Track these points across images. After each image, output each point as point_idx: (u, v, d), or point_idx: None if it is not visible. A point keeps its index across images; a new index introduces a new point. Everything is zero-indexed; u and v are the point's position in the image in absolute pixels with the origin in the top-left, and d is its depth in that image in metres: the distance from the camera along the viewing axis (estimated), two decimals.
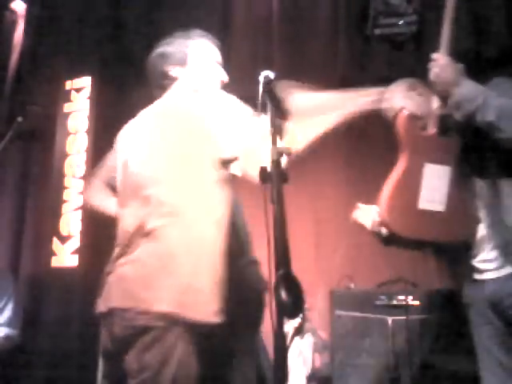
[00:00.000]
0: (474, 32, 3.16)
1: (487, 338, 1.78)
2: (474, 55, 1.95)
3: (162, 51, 1.93)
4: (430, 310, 2.57)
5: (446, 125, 1.91)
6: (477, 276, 1.82)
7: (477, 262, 1.81)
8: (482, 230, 1.83)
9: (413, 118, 1.92)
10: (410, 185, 1.87)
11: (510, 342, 1.71)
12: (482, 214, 1.84)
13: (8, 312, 3.12)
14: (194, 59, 1.87)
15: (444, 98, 1.81)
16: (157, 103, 1.83)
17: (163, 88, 1.86)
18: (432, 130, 1.91)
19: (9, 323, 3.10)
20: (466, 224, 1.86)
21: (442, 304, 2.53)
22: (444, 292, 2.54)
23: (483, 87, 1.75)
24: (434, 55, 1.83)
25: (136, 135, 1.82)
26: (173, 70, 1.86)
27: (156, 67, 1.90)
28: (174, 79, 1.86)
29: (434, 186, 1.87)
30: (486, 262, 1.79)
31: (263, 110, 1.47)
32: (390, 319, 2.56)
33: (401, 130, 1.93)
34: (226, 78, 1.90)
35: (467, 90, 1.73)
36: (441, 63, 1.80)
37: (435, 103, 1.90)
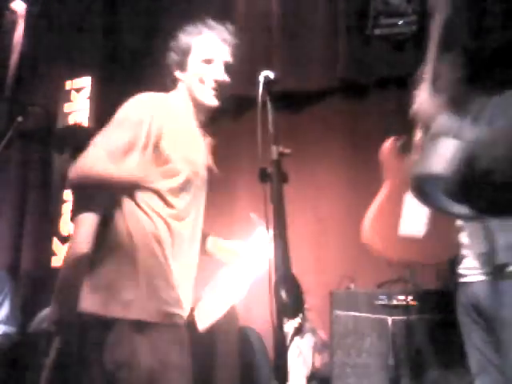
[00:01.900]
0: (473, 28, 3.18)
1: (476, 338, 1.83)
2: (473, 51, 1.95)
3: (168, 53, 1.91)
4: (430, 309, 2.57)
5: None
6: (461, 279, 1.88)
7: (461, 269, 1.88)
8: (464, 239, 1.89)
9: (395, 147, 1.99)
10: (392, 211, 1.99)
11: (496, 341, 1.74)
12: (463, 223, 1.88)
13: (5, 310, 3.12)
14: (193, 65, 1.85)
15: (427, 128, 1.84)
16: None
17: (172, 83, 1.87)
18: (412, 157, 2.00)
19: (6, 321, 3.10)
20: (448, 247, 1.92)
21: (441, 304, 2.53)
22: (442, 292, 2.55)
23: (459, 121, 1.74)
24: (416, 91, 1.86)
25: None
26: (176, 73, 1.86)
27: (166, 62, 1.91)
28: (177, 80, 1.86)
29: (414, 215, 1.97)
30: (469, 269, 1.84)
31: (263, 109, 1.47)
32: (389, 319, 2.56)
33: (384, 159, 2.00)
34: (222, 77, 1.86)
35: (441, 123, 1.73)
36: (421, 98, 1.82)
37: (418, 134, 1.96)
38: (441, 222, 1.94)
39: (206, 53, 1.85)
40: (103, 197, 2.54)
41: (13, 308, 3.14)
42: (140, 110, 1.68)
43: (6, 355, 3.00)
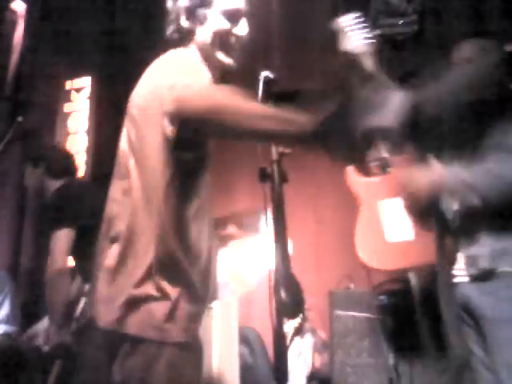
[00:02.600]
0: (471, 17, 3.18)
1: (468, 338, 1.83)
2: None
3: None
4: (429, 309, 2.57)
5: (385, 164, 2.12)
6: (454, 279, 1.88)
7: (453, 269, 1.88)
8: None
9: (354, 171, 2.19)
10: (372, 225, 2.10)
11: (485, 341, 1.74)
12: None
13: (5, 309, 3.12)
14: (213, 18, 1.56)
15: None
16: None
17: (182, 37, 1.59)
18: (375, 172, 2.14)
19: (6, 320, 3.10)
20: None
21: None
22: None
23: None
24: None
25: None
26: (188, 25, 1.57)
27: (168, 14, 1.64)
28: (188, 35, 1.58)
29: (395, 219, 2.05)
30: (459, 270, 1.85)
31: None
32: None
33: (349, 184, 2.24)
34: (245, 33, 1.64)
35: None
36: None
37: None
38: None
39: (230, 3, 1.59)
40: (79, 211, 2.58)
41: (13, 308, 3.14)
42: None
43: (6, 354, 3.00)
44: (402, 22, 3.36)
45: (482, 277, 1.76)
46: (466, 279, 1.80)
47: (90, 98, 4.15)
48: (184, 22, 1.57)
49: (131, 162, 1.39)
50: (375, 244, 2.08)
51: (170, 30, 1.62)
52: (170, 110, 1.29)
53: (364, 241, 2.13)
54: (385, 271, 2.05)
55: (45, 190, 2.79)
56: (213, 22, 1.55)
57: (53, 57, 4.27)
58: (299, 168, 3.38)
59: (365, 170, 2.21)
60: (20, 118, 3.05)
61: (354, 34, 1.74)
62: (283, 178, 1.30)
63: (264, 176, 1.30)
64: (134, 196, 1.34)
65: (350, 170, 2.27)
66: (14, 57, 4.36)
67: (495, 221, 1.72)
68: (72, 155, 3.08)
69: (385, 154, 2.16)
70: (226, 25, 1.56)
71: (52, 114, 4.25)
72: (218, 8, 1.56)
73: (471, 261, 1.79)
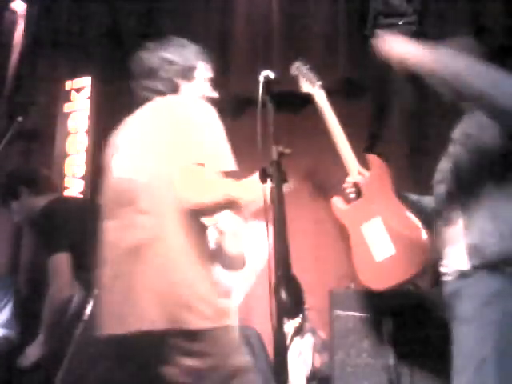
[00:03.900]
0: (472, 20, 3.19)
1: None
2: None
3: (168, 58, 1.92)
4: (429, 310, 2.56)
5: (358, 189, 2.23)
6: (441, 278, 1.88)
7: (441, 268, 1.87)
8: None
9: (337, 204, 2.32)
10: (362, 249, 2.17)
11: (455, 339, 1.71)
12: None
13: (6, 313, 3.13)
14: (199, 76, 1.92)
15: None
16: (154, 108, 1.82)
17: (156, 92, 1.86)
18: (352, 199, 2.25)
19: (6, 324, 3.10)
20: (427, 250, 1.96)
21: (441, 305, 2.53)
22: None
23: None
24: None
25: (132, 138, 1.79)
26: (179, 82, 1.87)
27: (158, 71, 1.89)
28: (176, 90, 1.86)
29: (376, 238, 2.13)
30: (444, 268, 1.84)
31: (263, 109, 1.48)
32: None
33: (336, 216, 2.33)
34: (215, 95, 1.94)
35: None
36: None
37: None
38: (409, 229, 2.05)
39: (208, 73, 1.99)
40: (70, 231, 2.57)
41: (14, 312, 3.15)
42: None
43: (5, 358, 3.01)
44: (401, 22, 3.36)
45: (458, 276, 1.74)
46: (448, 278, 1.78)
47: (89, 98, 4.14)
48: (177, 79, 1.87)
49: None
50: (370, 266, 2.14)
51: (160, 85, 1.88)
52: (183, 204, 1.52)
53: (361, 266, 2.20)
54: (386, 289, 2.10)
55: (31, 210, 2.76)
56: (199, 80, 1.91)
57: (53, 57, 4.27)
58: (299, 168, 3.40)
59: (345, 199, 2.33)
60: (20, 118, 3.05)
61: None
62: (283, 178, 1.30)
63: (264, 176, 1.30)
64: None
65: (335, 201, 2.36)
66: (14, 57, 4.36)
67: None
68: (49, 175, 3.07)
69: (357, 178, 2.24)
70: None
71: (52, 114, 4.25)
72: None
73: (450, 260, 1.77)
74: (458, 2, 3.29)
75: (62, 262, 2.52)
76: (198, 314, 1.47)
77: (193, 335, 1.47)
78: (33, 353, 2.63)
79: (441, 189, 1.89)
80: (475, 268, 1.67)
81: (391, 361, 2.46)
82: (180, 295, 1.47)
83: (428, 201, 2.08)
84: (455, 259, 1.76)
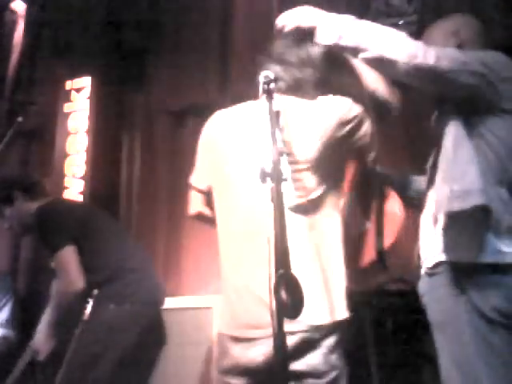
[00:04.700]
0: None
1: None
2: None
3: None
4: None
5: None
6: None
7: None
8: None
9: None
10: None
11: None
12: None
13: (5, 313, 3.13)
14: None
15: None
16: None
17: None
18: None
19: (6, 324, 3.10)
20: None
21: None
22: None
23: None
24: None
25: None
26: None
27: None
28: None
29: None
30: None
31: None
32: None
33: None
34: None
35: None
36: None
37: None
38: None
39: None
40: (73, 227, 2.57)
41: (13, 312, 3.15)
42: None
43: (3, 358, 3.01)
44: (401, 22, 3.35)
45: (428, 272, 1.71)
46: (432, 263, 1.71)
47: (89, 97, 4.14)
48: None
49: None
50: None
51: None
52: None
53: None
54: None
55: (25, 215, 2.76)
56: None
57: (53, 57, 4.27)
58: None
59: None
60: (20, 118, 3.06)
61: None
62: (283, 178, 1.29)
63: (264, 176, 1.29)
64: None
65: None
66: (14, 57, 4.36)
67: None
68: (43, 180, 3.07)
69: None
70: None
71: (52, 114, 4.25)
72: None
73: (423, 255, 1.74)
74: (458, 2, 3.29)
75: (68, 256, 2.50)
76: None
77: None
78: (44, 347, 2.62)
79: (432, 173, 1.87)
80: (438, 264, 1.64)
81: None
82: None
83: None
84: (427, 254, 1.73)
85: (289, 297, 1.17)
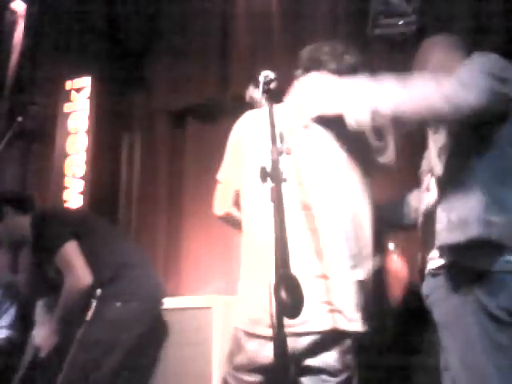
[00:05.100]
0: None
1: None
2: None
3: None
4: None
5: None
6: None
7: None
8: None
9: None
10: None
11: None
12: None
13: (10, 315, 3.13)
14: None
15: None
16: None
17: None
18: None
19: (10, 326, 3.11)
20: None
21: None
22: None
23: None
24: None
25: None
26: None
27: None
28: None
29: None
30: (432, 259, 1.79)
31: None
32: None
33: None
34: None
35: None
36: None
37: None
38: None
39: None
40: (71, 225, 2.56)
41: (18, 314, 3.16)
42: None
43: (6, 358, 3.01)
44: (401, 21, 3.35)
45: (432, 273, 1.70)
46: (437, 264, 1.71)
47: (89, 98, 4.14)
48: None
49: None
50: None
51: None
52: None
53: None
54: None
55: (16, 229, 2.74)
56: None
57: (53, 57, 4.27)
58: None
59: None
60: (20, 118, 3.06)
61: None
62: (283, 178, 1.29)
63: (264, 176, 1.29)
64: None
65: None
66: (14, 57, 4.36)
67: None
68: (34, 195, 3.05)
69: None
70: None
71: (52, 114, 4.25)
72: None
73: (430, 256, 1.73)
74: (458, 1, 3.28)
75: (72, 250, 2.46)
76: None
77: None
78: (46, 343, 2.59)
79: (428, 178, 1.87)
80: (444, 267, 1.64)
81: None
82: None
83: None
84: (430, 256, 1.73)
85: (289, 297, 1.17)
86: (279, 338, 1.19)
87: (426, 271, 1.76)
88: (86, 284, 2.42)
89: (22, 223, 2.70)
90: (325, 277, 1.61)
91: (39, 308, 2.76)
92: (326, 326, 1.57)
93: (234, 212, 1.87)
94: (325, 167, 1.70)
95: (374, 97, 1.62)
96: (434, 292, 1.69)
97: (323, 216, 1.66)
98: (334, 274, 1.62)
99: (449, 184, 1.63)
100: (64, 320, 2.55)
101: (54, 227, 2.56)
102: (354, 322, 1.61)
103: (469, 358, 1.54)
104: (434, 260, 1.71)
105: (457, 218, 1.55)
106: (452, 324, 1.60)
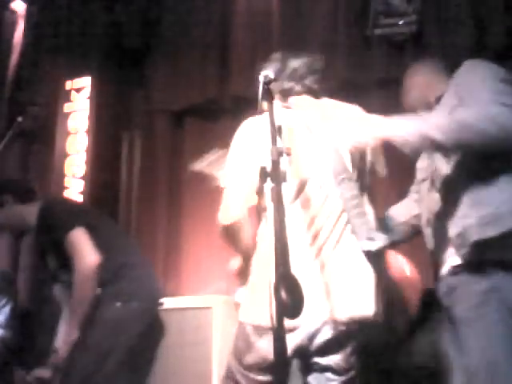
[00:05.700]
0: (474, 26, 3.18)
1: (444, 336, 1.79)
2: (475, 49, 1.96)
3: None
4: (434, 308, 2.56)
5: None
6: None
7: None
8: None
9: None
10: None
11: (458, 340, 1.67)
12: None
13: (4, 314, 3.12)
14: None
15: None
16: None
17: None
18: None
19: (4, 325, 3.10)
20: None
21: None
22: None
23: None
24: None
25: None
26: None
27: None
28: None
29: None
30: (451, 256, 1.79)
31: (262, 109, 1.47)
32: None
33: None
34: None
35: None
36: None
37: None
38: None
39: None
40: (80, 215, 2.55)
41: (12, 313, 3.15)
42: None
43: (1, 358, 3.01)
44: (401, 21, 3.35)
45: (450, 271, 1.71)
46: (458, 261, 1.71)
47: (89, 98, 4.14)
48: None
49: None
50: None
51: None
52: None
53: None
54: None
55: (16, 217, 2.74)
56: None
57: (53, 57, 4.27)
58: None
59: None
60: (20, 118, 3.06)
61: None
62: (283, 178, 1.29)
63: (264, 176, 1.29)
64: None
65: None
66: (14, 57, 4.36)
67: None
68: (34, 185, 3.04)
69: None
70: None
71: (52, 114, 4.25)
72: None
73: (460, 239, 1.70)
74: (458, 1, 3.28)
75: (80, 235, 2.44)
76: None
77: None
78: (66, 341, 2.53)
79: (425, 185, 1.87)
80: (466, 263, 1.64)
81: None
82: None
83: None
84: (447, 255, 1.73)
85: (289, 296, 1.17)
86: (279, 338, 1.19)
87: (443, 271, 1.76)
88: (96, 263, 2.41)
89: (22, 212, 2.70)
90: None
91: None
92: (342, 315, 1.59)
93: (244, 219, 1.76)
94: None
95: (423, 123, 1.62)
96: (455, 290, 1.69)
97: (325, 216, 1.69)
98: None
99: (470, 183, 1.64)
100: (80, 310, 2.48)
101: (64, 213, 2.57)
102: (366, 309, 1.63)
103: (491, 355, 1.54)
104: (452, 258, 1.70)
105: (489, 212, 1.56)
106: (474, 321, 1.60)
